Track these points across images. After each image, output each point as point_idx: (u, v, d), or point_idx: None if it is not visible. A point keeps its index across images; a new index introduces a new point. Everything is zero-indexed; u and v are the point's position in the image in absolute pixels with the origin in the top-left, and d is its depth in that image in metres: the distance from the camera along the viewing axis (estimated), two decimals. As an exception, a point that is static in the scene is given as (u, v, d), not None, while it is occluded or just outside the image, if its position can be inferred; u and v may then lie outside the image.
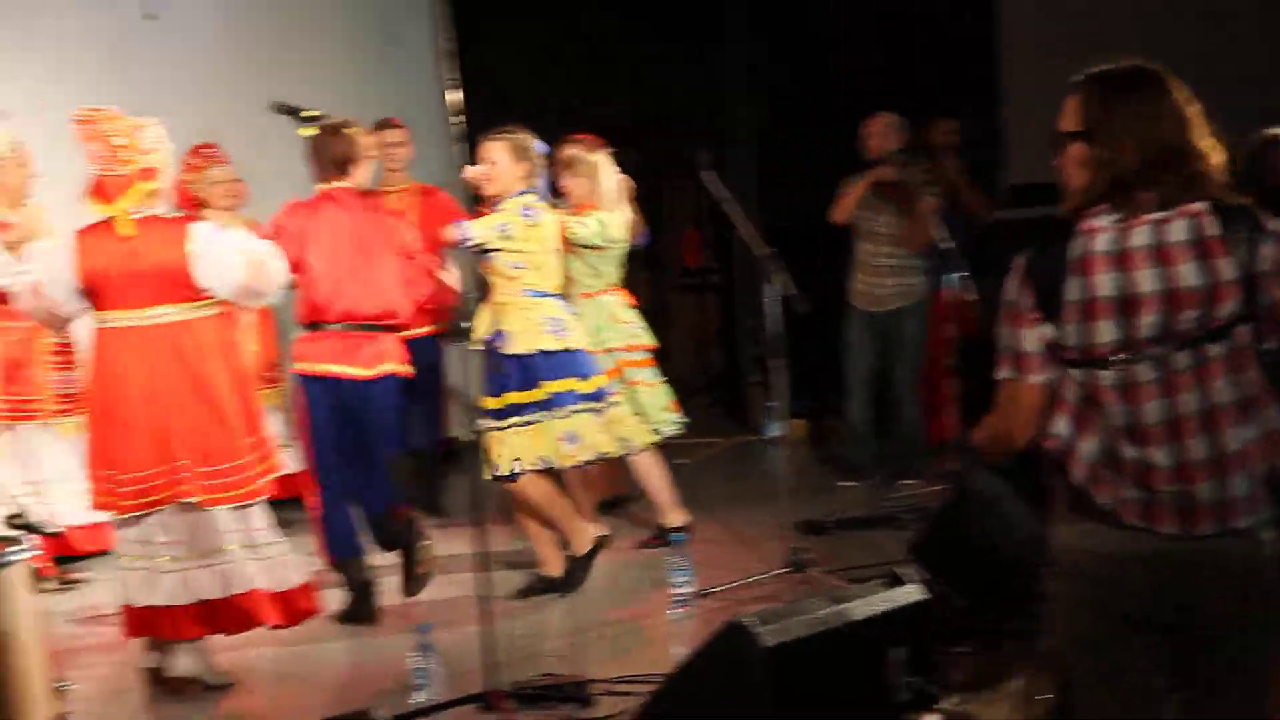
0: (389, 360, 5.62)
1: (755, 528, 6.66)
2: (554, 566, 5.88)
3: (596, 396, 5.78)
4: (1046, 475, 2.86)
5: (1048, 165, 2.87)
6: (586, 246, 6.18)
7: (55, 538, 4.44)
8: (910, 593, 4.06)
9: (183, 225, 4.86)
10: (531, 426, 5.63)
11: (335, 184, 5.54)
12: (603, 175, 6.35)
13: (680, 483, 8.12)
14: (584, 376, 5.74)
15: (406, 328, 5.81)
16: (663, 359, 10.77)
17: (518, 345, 5.66)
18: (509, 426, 5.58)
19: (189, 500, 4.77)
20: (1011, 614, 4.76)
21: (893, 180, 7.38)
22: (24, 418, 6.21)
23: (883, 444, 7.75)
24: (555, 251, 5.84)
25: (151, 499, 4.79)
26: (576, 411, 5.67)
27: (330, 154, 5.50)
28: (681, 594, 5.45)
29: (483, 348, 5.71)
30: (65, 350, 6.28)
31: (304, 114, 4.80)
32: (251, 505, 4.90)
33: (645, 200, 10.93)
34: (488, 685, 4.41)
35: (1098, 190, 2.74)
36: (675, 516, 6.51)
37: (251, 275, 4.82)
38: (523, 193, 5.72)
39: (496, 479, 5.63)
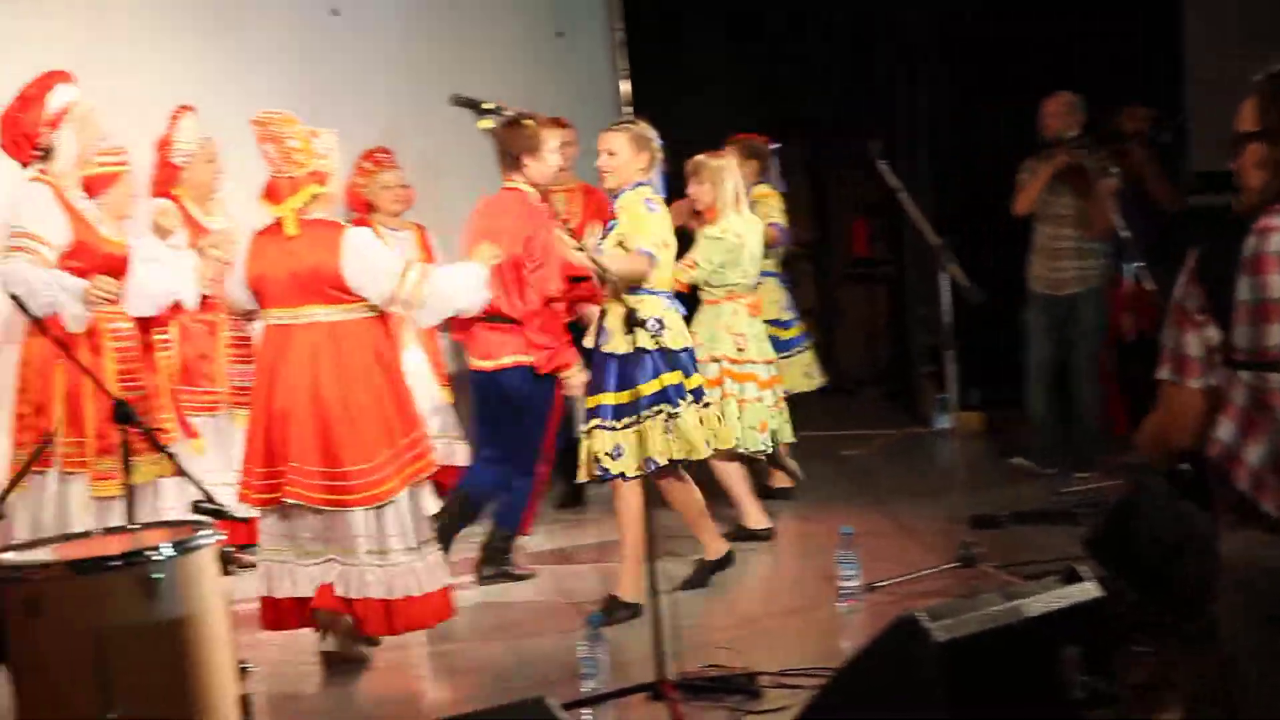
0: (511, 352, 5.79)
1: (925, 521, 6.59)
2: (714, 550, 5.89)
3: (695, 395, 5.57)
4: (1210, 481, 2.79)
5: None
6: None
7: (242, 523, 4.57)
8: (1086, 589, 3.98)
9: (340, 229, 4.99)
10: (630, 429, 5.42)
11: (510, 180, 5.68)
12: (725, 181, 6.35)
13: (848, 475, 8.12)
14: (685, 373, 5.55)
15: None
16: (830, 349, 10.86)
17: (617, 344, 5.47)
18: (595, 427, 5.46)
19: (292, 501, 4.87)
20: (1185, 616, 4.64)
21: (1073, 164, 7.24)
22: (208, 409, 6.41)
23: (1061, 434, 7.61)
24: (667, 247, 5.61)
25: (273, 495, 4.90)
26: (669, 410, 5.47)
27: (507, 147, 5.60)
28: (849, 587, 5.40)
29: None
30: (243, 343, 6.46)
31: (484, 106, 4.86)
32: (382, 507, 4.95)
33: (813, 192, 10.98)
34: (656, 675, 4.43)
35: (1274, 190, 2.66)
36: (758, 519, 6.53)
37: (404, 287, 4.92)
38: (640, 184, 5.54)
39: (595, 479, 5.55)
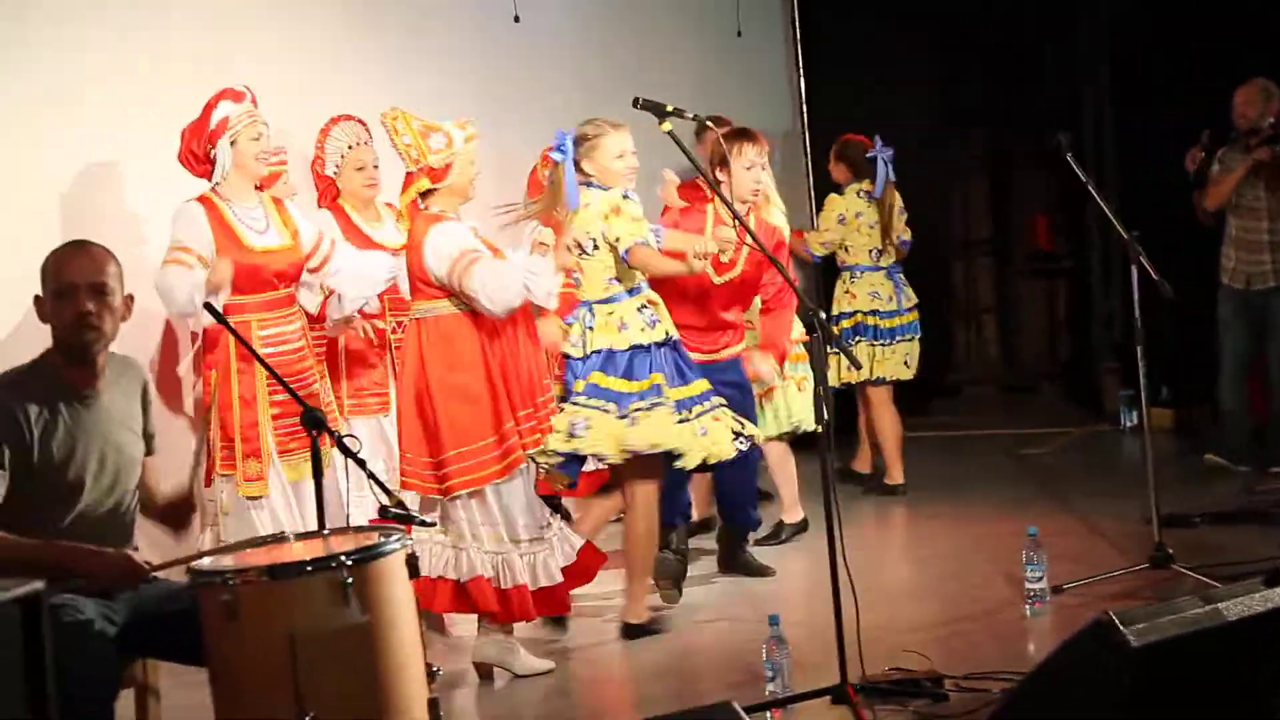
0: None
1: (1113, 521, 6.43)
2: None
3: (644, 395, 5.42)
4: None
5: None
6: None
7: (428, 526, 4.64)
8: (1290, 593, 3.84)
9: (431, 222, 5.16)
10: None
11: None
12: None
13: (1031, 474, 7.97)
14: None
15: None
16: (1010, 345, 10.66)
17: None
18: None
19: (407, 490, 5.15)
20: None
21: (1268, 160, 6.99)
22: (362, 411, 6.46)
23: (1255, 431, 7.37)
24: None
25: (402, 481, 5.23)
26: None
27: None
28: (1036, 589, 5.29)
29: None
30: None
31: (668, 110, 4.91)
32: (454, 499, 5.13)
33: (993, 187, 10.80)
34: (840, 679, 4.39)
35: None
36: (795, 513, 6.56)
37: (480, 282, 5.04)
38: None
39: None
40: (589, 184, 5.45)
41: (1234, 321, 7.33)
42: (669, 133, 4.94)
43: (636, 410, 5.30)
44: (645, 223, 5.50)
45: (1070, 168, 5.80)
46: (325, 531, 3.89)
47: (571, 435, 5.30)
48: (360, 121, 6.44)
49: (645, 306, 5.47)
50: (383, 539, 3.60)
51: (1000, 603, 5.45)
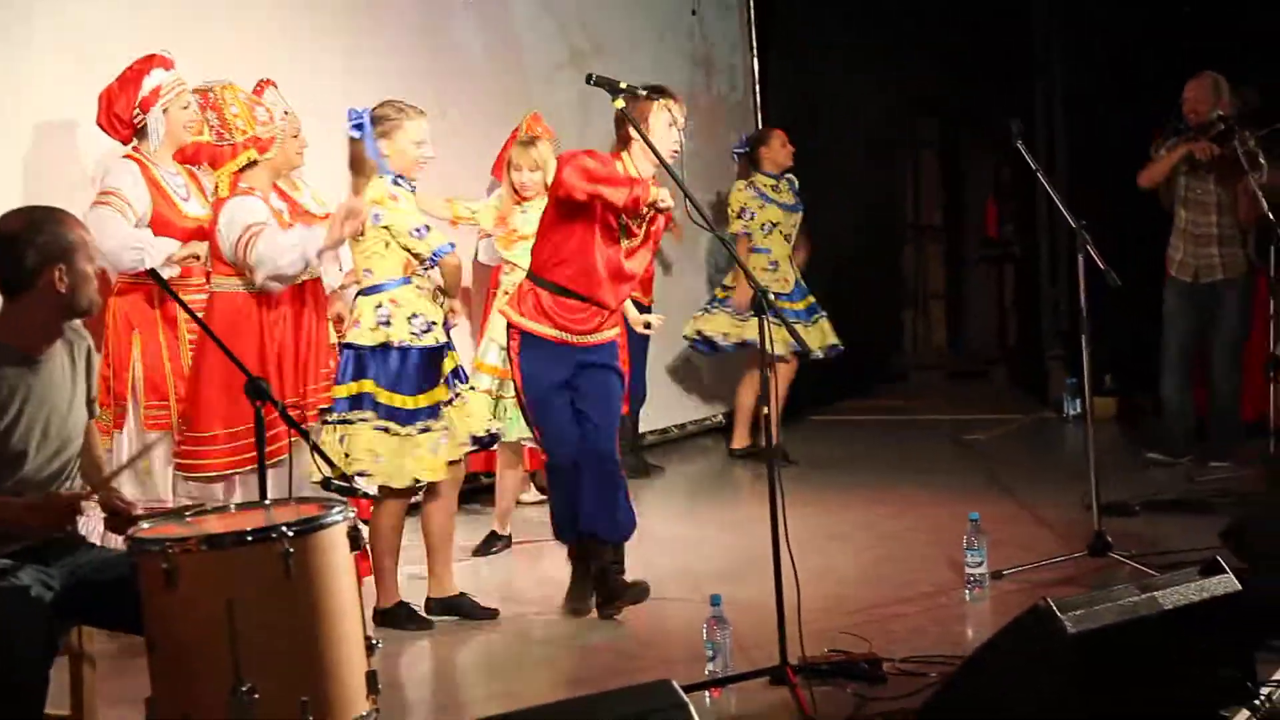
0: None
1: (1055, 508, 6.49)
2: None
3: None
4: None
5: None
6: None
7: (372, 499, 4.63)
8: (1224, 582, 3.88)
9: (228, 198, 5.34)
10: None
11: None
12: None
13: (975, 459, 8.01)
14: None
15: None
16: (957, 331, 10.72)
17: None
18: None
19: None
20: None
21: (1212, 153, 7.03)
22: None
23: (1196, 422, 7.43)
24: None
25: None
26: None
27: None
28: (976, 574, 5.34)
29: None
30: None
31: (622, 87, 4.91)
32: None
33: (944, 174, 10.86)
34: (779, 660, 4.40)
35: None
36: (506, 526, 6.54)
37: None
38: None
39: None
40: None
41: (1179, 314, 7.38)
42: (622, 110, 4.94)
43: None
44: (419, 214, 5.36)
45: (1021, 156, 5.83)
46: (267, 502, 3.86)
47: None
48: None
49: (382, 306, 5.28)
50: (324, 511, 3.58)
51: (940, 587, 5.49)
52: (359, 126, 5.30)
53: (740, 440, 8.39)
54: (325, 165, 6.05)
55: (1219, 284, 7.28)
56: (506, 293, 6.17)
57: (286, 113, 6.23)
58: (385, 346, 5.22)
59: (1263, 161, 6.97)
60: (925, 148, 10.84)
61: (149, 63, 5.56)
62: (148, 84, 5.52)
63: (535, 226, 5.59)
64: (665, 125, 5.22)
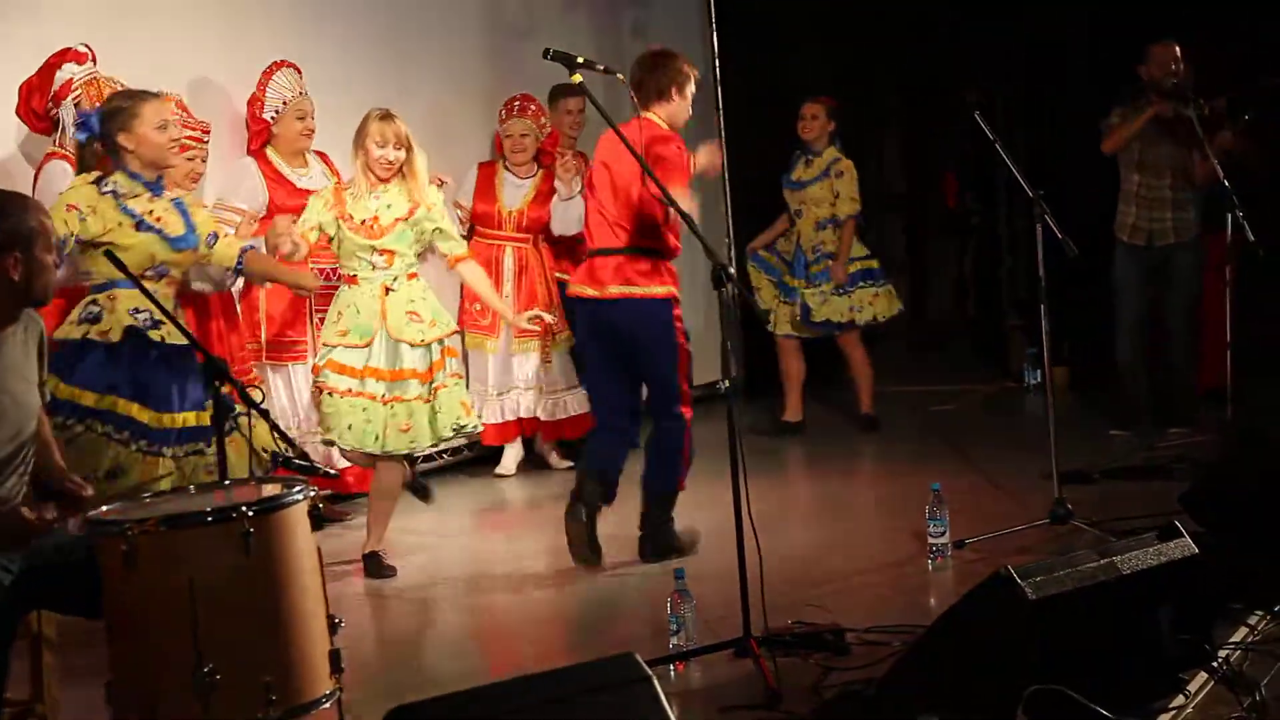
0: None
1: (1016, 477, 6.52)
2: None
3: None
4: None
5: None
6: None
7: (331, 478, 4.61)
8: (1183, 546, 3.91)
9: None
10: None
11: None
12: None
13: (938, 429, 8.05)
14: None
15: None
16: (918, 302, 10.73)
17: None
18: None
19: None
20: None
21: (1168, 113, 7.06)
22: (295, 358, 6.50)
23: (1153, 389, 7.47)
24: None
25: None
26: None
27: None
28: (938, 544, 5.36)
29: None
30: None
31: (578, 61, 4.92)
32: None
33: (905, 142, 10.84)
34: (743, 632, 4.42)
35: None
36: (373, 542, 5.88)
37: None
38: None
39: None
40: (122, 168, 5.15)
41: (1132, 279, 7.37)
42: (579, 84, 4.93)
43: None
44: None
45: (979, 126, 5.83)
46: (226, 482, 3.84)
47: None
48: (297, 69, 6.39)
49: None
50: (285, 490, 3.57)
51: (903, 557, 5.52)
52: (84, 125, 5.17)
53: (793, 413, 8.23)
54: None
55: (1171, 247, 7.30)
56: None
57: (302, 93, 6.31)
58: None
59: (1226, 127, 7.00)
60: (884, 118, 10.81)
61: (63, 56, 5.57)
62: (59, 78, 5.53)
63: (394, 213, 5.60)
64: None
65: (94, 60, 5.63)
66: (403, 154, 5.62)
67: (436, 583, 5.73)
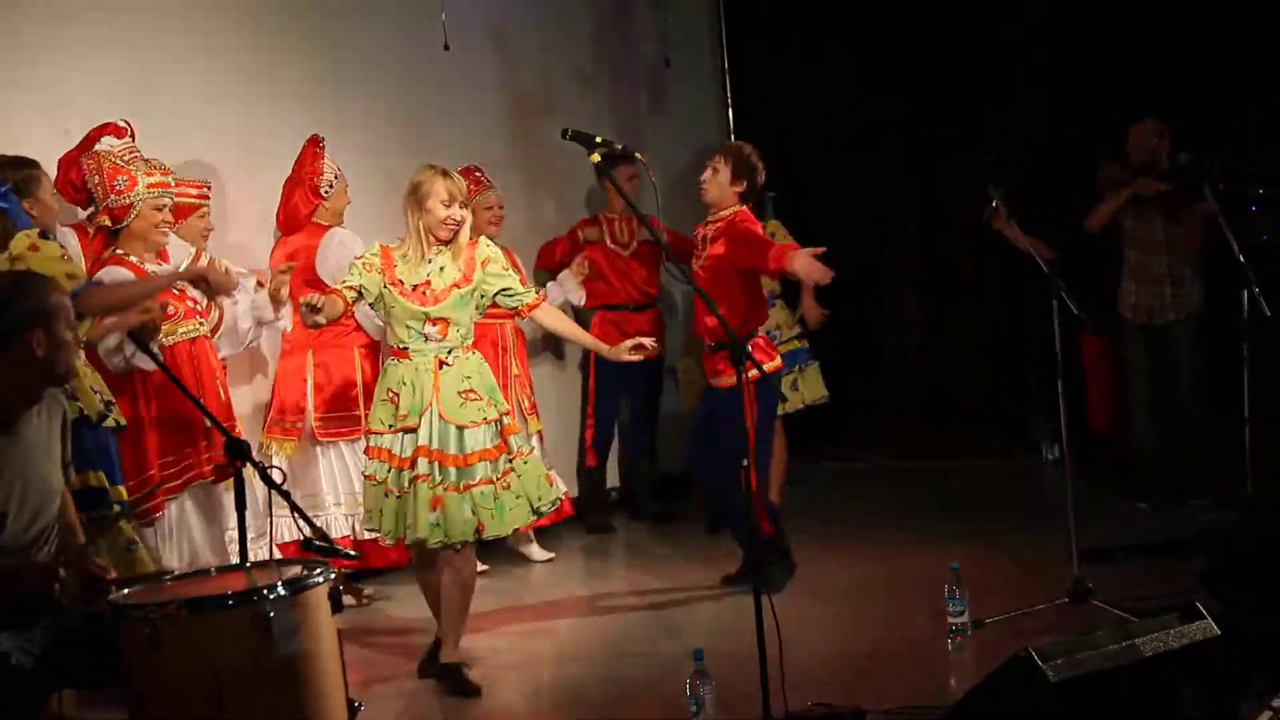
0: None
1: (1035, 554, 6.48)
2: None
3: None
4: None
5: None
6: None
7: (352, 559, 4.62)
8: (1205, 627, 3.90)
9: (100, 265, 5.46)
10: None
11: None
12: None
13: (953, 505, 8.02)
14: None
15: None
16: (934, 376, 10.71)
17: None
18: None
19: None
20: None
21: (1150, 193, 7.12)
22: (344, 434, 6.56)
23: (1170, 462, 7.46)
24: None
25: None
26: None
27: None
28: (958, 622, 5.34)
29: None
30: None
31: (597, 141, 4.96)
32: None
33: (923, 215, 10.85)
34: (762, 712, 4.40)
35: None
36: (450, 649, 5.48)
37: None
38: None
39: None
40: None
41: (1139, 358, 7.42)
42: (597, 164, 4.98)
43: None
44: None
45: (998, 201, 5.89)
46: (247, 565, 3.85)
47: None
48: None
49: None
50: (306, 572, 3.58)
51: (923, 636, 5.48)
52: (3, 199, 5.10)
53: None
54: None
55: (1171, 324, 7.33)
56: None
57: (337, 176, 6.43)
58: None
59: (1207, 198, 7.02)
60: (901, 190, 10.84)
61: (102, 130, 5.69)
62: (98, 149, 5.63)
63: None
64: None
65: (132, 136, 5.73)
66: (467, 212, 5.33)
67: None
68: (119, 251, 5.54)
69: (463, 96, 7.89)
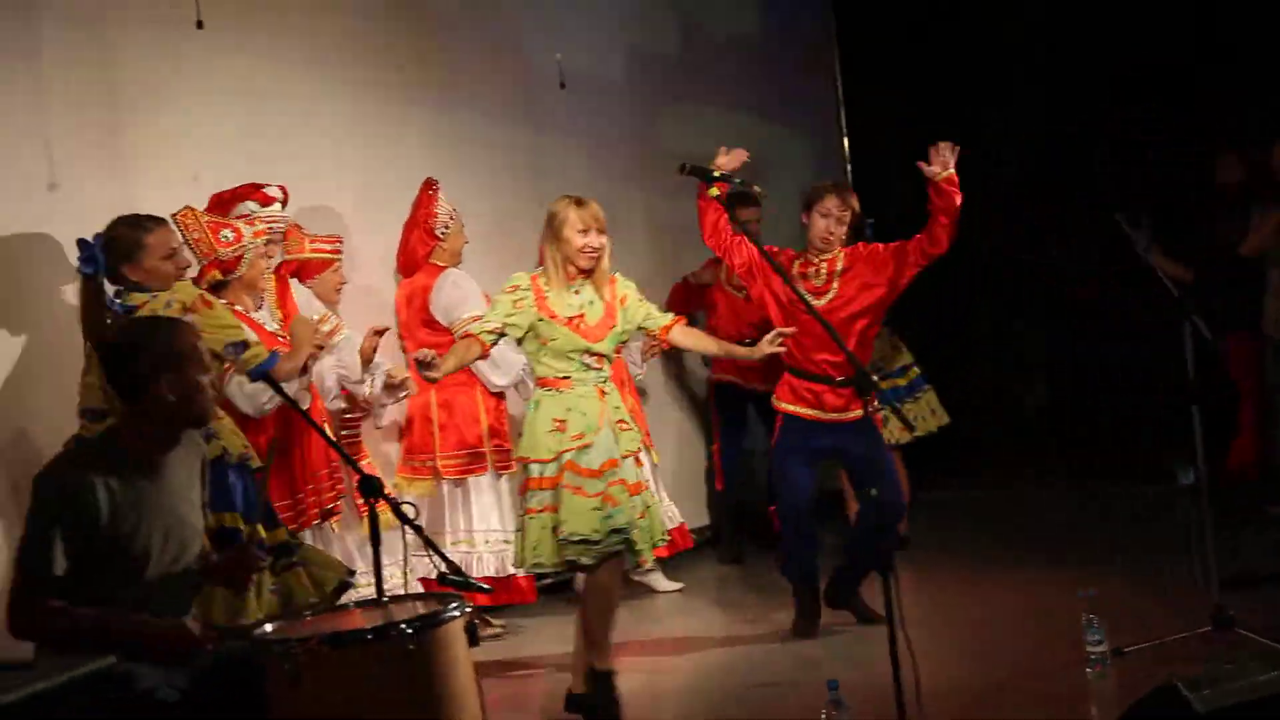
0: None
1: (1172, 580, 6.34)
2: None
3: None
4: None
5: None
6: None
7: (485, 593, 4.66)
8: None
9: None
10: None
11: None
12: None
13: (1087, 530, 7.88)
14: None
15: None
16: (1062, 399, 10.55)
17: None
18: None
19: None
20: None
21: None
22: (472, 471, 6.63)
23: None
24: None
25: None
26: None
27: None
28: (1097, 651, 5.22)
29: None
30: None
31: (715, 175, 4.97)
32: None
33: (1043, 231, 10.73)
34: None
35: None
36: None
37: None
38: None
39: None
40: (140, 287, 5.11)
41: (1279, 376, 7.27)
42: (716, 197, 4.99)
43: None
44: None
45: (1124, 231, 5.80)
46: (385, 599, 3.90)
47: None
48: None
49: None
50: (442, 606, 3.61)
51: (1060, 665, 5.37)
52: (90, 260, 4.99)
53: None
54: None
55: None
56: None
57: (456, 209, 6.55)
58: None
59: None
60: (1027, 215, 10.72)
61: (253, 190, 5.83)
62: (239, 208, 5.78)
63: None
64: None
65: (283, 204, 5.88)
66: (605, 239, 5.26)
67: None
68: (226, 302, 5.61)
69: (578, 135, 7.95)
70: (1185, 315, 5.63)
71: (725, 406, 8.07)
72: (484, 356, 5.34)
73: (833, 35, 9.87)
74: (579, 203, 5.24)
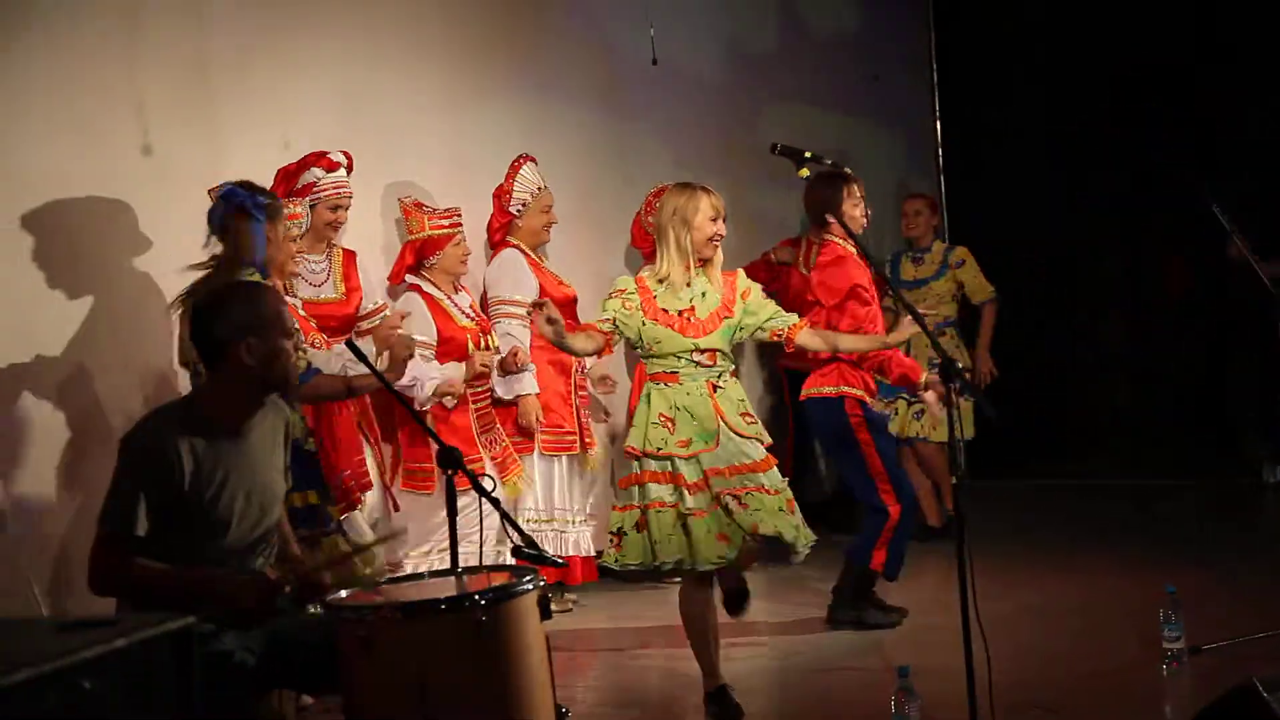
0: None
1: (1254, 578, 6.25)
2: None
3: None
4: None
5: None
6: None
7: (559, 567, 4.66)
8: None
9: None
10: None
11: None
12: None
13: (1165, 526, 7.78)
14: None
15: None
16: (1141, 392, 10.41)
17: None
18: None
19: None
20: None
21: None
22: (562, 449, 6.66)
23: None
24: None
25: None
26: None
27: (810, 201, 5.64)
28: (1174, 648, 5.16)
29: None
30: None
31: (806, 156, 4.93)
32: None
33: (1125, 224, 10.57)
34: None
35: None
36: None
37: None
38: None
39: None
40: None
41: None
42: (807, 178, 4.96)
43: None
44: None
45: (1211, 213, 5.69)
46: (459, 570, 3.92)
47: None
48: (535, 162, 6.63)
49: None
50: (515, 579, 3.63)
51: (1135, 662, 5.32)
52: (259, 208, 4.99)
53: (933, 516, 8.04)
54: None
55: None
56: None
57: (543, 187, 6.52)
58: None
59: None
60: (1106, 202, 10.56)
61: (319, 158, 5.84)
62: (306, 176, 5.80)
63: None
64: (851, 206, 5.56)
65: (348, 170, 5.89)
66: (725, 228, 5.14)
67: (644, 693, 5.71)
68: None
69: (668, 112, 7.93)
70: (1276, 309, 5.52)
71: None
72: (605, 351, 5.30)
73: (931, 34, 9.77)
74: (706, 190, 5.09)
